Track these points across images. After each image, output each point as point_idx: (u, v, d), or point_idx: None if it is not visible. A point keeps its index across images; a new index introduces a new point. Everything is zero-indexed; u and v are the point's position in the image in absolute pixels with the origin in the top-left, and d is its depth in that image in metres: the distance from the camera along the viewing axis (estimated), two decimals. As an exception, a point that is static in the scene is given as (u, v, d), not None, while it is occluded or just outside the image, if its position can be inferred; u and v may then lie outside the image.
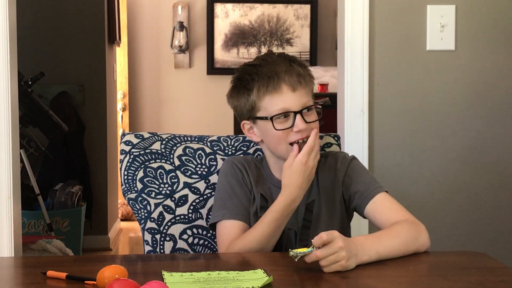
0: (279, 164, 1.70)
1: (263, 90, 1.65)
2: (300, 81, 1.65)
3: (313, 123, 1.65)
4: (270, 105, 1.65)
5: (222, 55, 6.15)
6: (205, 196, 1.88)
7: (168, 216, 1.86)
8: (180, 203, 1.87)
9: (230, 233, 1.67)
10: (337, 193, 1.72)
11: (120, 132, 5.79)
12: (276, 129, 1.64)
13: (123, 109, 6.13)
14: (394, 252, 1.51)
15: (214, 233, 1.86)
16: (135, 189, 1.86)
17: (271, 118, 1.65)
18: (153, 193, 1.86)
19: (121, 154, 1.89)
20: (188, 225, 1.87)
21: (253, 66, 1.70)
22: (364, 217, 1.71)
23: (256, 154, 1.91)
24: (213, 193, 1.85)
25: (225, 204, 1.71)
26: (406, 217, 1.62)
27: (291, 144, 1.65)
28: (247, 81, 1.69)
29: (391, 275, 1.43)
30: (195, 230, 1.87)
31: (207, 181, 1.88)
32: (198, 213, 1.87)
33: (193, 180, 1.88)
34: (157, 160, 1.88)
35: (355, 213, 1.77)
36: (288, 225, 1.67)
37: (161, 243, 1.86)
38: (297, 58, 1.74)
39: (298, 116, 1.63)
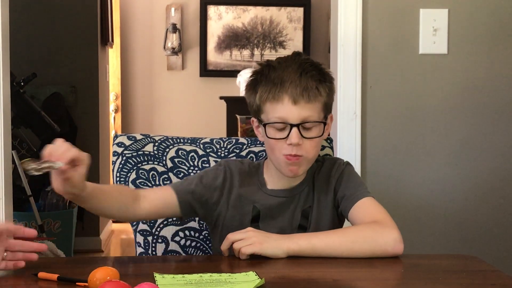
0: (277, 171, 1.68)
1: (265, 96, 1.63)
2: (303, 94, 1.60)
3: (310, 140, 1.61)
4: (270, 111, 1.63)
5: (215, 57, 6.15)
6: (197, 198, 1.87)
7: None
8: (172, 205, 1.86)
9: (155, 188, 1.79)
10: (330, 198, 1.71)
11: (112, 133, 5.79)
12: (268, 137, 1.63)
13: (116, 111, 6.12)
14: (335, 248, 1.51)
15: (206, 235, 1.87)
16: (127, 190, 1.86)
17: (265, 125, 1.64)
18: (145, 195, 1.86)
19: (114, 155, 1.89)
20: (180, 227, 1.87)
21: (268, 66, 1.67)
22: (349, 221, 1.70)
23: (249, 157, 1.91)
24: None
25: (182, 181, 1.72)
26: (377, 219, 1.58)
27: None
28: (256, 82, 1.67)
29: (382, 278, 1.44)
30: (187, 232, 1.86)
31: (199, 183, 1.88)
32: (190, 215, 1.87)
33: (185, 182, 1.88)
34: (150, 162, 1.88)
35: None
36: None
37: (153, 245, 1.85)
38: (317, 67, 1.66)
39: (294, 129, 1.59)
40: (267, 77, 1.64)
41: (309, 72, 1.63)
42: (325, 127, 1.67)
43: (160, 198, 1.66)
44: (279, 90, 1.61)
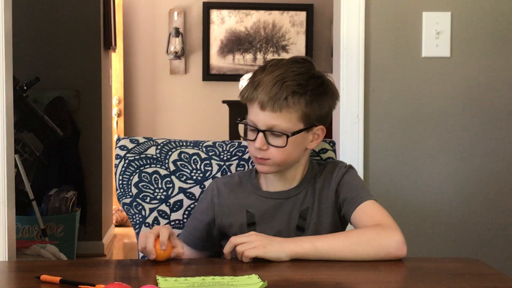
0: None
1: (242, 94, 1.67)
2: (269, 102, 1.60)
3: (275, 148, 1.62)
4: (248, 111, 1.67)
5: (217, 61, 6.15)
6: (200, 202, 1.87)
7: (163, 221, 1.86)
8: (175, 208, 1.87)
9: None
10: (331, 201, 1.71)
11: (115, 138, 5.79)
12: (242, 136, 1.71)
13: (118, 115, 6.13)
14: (338, 250, 1.51)
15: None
16: (130, 194, 1.86)
17: (237, 123, 1.71)
18: (148, 198, 1.86)
19: (116, 158, 1.89)
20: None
21: (260, 68, 1.69)
22: (352, 224, 1.70)
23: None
24: (208, 198, 1.85)
25: (187, 225, 1.79)
26: (380, 222, 1.58)
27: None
28: (246, 83, 1.71)
29: (385, 281, 1.43)
30: (189, 236, 1.86)
31: (202, 186, 1.88)
32: (193, 219, 1.87)
33: (188, 185, 1.88)
34: (152, 165, 1.88)
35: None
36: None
37: (156, 248, 1.85)
38: (302, 78, 1.63)
39: (260, 134, 1.62)
40: (253, 77, 1.68)
41: (287, 81, 1.62)
42: (313, 137, 1.69)
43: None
44: (251, 92, 1.64)
